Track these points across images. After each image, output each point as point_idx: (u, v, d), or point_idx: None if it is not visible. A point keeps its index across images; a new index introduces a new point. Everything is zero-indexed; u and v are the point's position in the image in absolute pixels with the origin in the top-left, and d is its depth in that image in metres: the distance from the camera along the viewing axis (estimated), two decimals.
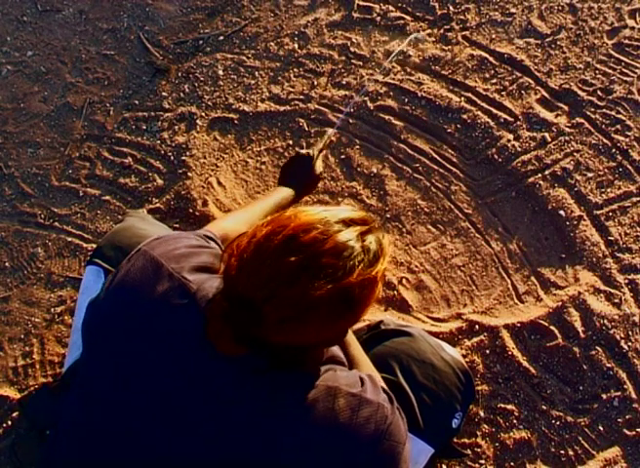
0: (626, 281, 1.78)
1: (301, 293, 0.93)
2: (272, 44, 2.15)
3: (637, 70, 2.05)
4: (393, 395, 1.17)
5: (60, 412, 1.21)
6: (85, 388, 1.12)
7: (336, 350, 1.20)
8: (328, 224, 0.98)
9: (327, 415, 1.04)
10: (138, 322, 1.08)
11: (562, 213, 1.86)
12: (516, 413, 1.65)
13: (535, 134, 1.97)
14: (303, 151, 1.65)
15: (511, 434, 1.63)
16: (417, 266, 1.83)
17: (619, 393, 1.66)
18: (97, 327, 1.13)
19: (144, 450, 1.06)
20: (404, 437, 1.12)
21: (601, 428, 1.63)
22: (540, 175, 1.92)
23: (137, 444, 1.06)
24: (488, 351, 1.70)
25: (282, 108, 2.04)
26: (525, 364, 1.69)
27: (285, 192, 1.63)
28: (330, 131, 1.73)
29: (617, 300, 1.75)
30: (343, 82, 2.07)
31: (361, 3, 2.19)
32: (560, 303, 1.74)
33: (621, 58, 2.07)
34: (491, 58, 2.08)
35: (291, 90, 2.07)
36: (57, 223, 1.92)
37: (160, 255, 1.13)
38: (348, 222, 1.00)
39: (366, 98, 2.04)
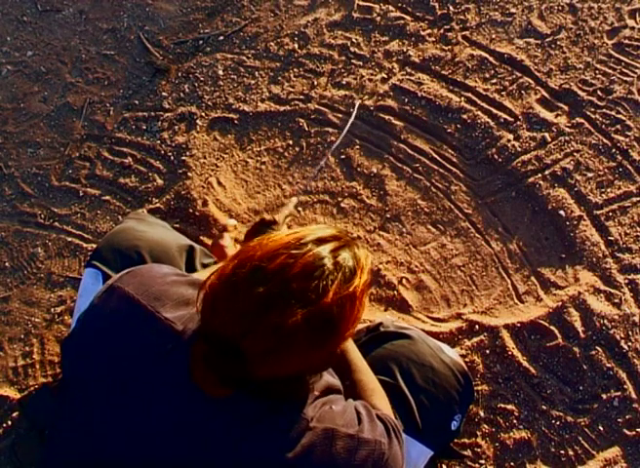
0: (626, 281, 1.78)
1: (277, 323, 0.90)
2: (272, 44, 2.15)
3: (637, 70, 2.05)
4: (389, 419, 1.16)
5: (60, 412, 1.21)
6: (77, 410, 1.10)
7: (329, 378, 1.16)
8: (295, 248, 0.95)
9: (325, 460, 1.02)
10: (122, 369, 1.04)
11: (562, 213, 1.86)
12: (516, 413, 1.65)
13: (535, 134, 1.97)
14: (268, 217, 1.56)
15: (511, 434, 1.63)
16: (417, 266, 1.83)
17: (619, 393, 1.66)
18: (78, 367, 1.09)
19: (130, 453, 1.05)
20: (400, 464, 1.12)
21: (601, 428, 1.63)
22: (539, 175, 1.92)
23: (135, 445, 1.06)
24: (488, 351, 1.70)
25: (282, 108, 2.04)
26: (525, 364, 1.69)
27: None
28: (295, 199, 1.68)
29: (617, 300, 1.75)
30: (343, 82, 2.07)
31: (361, 3, 2.19)
32: (560, 303, 1.75)
33: (621, 58, 2.07)
34: (491, 58, 2.08)
35: (291, 90, 2.07)
36: (57, 223, 1.92)
37: (138, 293, 1.08)
38: (318, 241, 0.97)
39: (366, 98, 2.04)
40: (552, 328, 1.72)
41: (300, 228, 1.03)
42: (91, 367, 1.08)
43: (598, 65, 2.06)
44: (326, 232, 1.00)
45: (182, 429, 1.02)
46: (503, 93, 2.03)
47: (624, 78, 2.04)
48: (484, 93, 2.03)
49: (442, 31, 2.13)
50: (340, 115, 2.02)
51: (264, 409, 1.02)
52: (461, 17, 2.15)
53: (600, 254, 1.81)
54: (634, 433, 1.62)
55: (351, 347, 1.35)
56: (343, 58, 2.11)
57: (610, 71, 2.05)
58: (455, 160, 1.96)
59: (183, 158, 1.97)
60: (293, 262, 0.93)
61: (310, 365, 0.99)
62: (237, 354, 0.92)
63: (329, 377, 1.17)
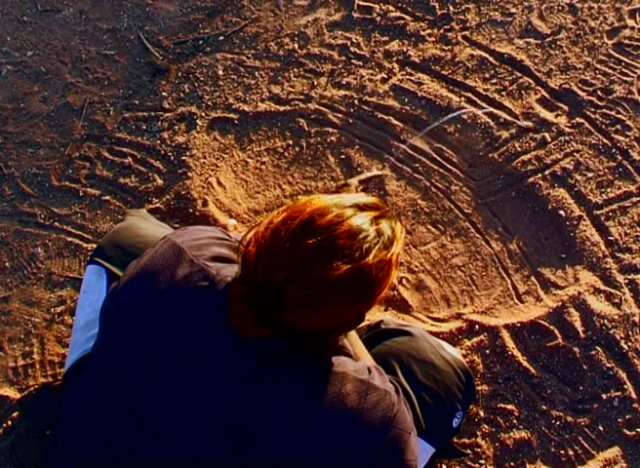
0: (626, 281, 1.78)
1: (321, 275, 0.96)
2: (272, 44, 2.15)
3: (637, 70, 2.05)
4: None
5: (60, 412, 1.21)
6: (99, 379, 1.13)
7: (344, 342, 1.23)
8: (342, 208, 1.01)
9: (335, 399, 1.05)
10: (158, 305, 1.11)
11: (562, 213, 1.86)
12: (516, 413, 1.65)
13: (535, 134, 1.97)
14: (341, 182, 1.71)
15: (511, 434, 1.63)
16: (417, 266, 1.83)
17: (619, 393, 1.66)
18: (117, 312, 1.16)
19: (157, 449, 1.06)
20: (410, 426, 1.14)
21: (601, 428, 1.63)
22: (539, 174, 1.92)
23: (149, 441, 1.06)
24: (488, 351, 1.70)
25: (282, 108, 2.04)
26: (525, 364, 1.69)
27: None
28: (375, 171, 1.78)
29: (617, 300, 1.75)
30: (343, 82, 2.07)
31: (361, 3, 2.19)
32: (560, 303, 1.75)
33: (621, 58, 2.07)
34: (491, 59, 2.09)
35: (291, 90, 2.07)
36: (57, 223, 1.92)
37: (183, 243, 1.17)
38: (362, 207, 1.03)
39: (365, 98, 2.04)
40: (552, 328, 1.72)
41: (345, 193, 1.11)
42: (129, 305, 1.14)
43: (598, 65, 2.06)
44: (369, 200, 1.07)
45: (215, 368, 1.05)
46: (503, 93, 2.03)
47: (624, 78, 2.04)
48: (484, 93, 2.03)
49: (442, 31, 2.13)
50: (340, 115, 2.02)
51: (281, 346, 1.06)
52: (461, 17, 2.15)
53: (600, 254, 1.81)
54: (634, 433, 1.62)
55: (356, 341, 1.35)
56: (343, 58, 2.11)
57: (610, 71, 2.05)
58: (455, 160, 1.96)
59: (183, 158, 1.97)
60: (341, 221, 0.99)
61: (341, 321, 1.04)
62: (278, 299, 0.97)
63: (345, 341, 1.24)
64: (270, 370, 1.05)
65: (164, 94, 2.08)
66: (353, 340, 1.34)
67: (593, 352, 1.69)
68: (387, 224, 1.05)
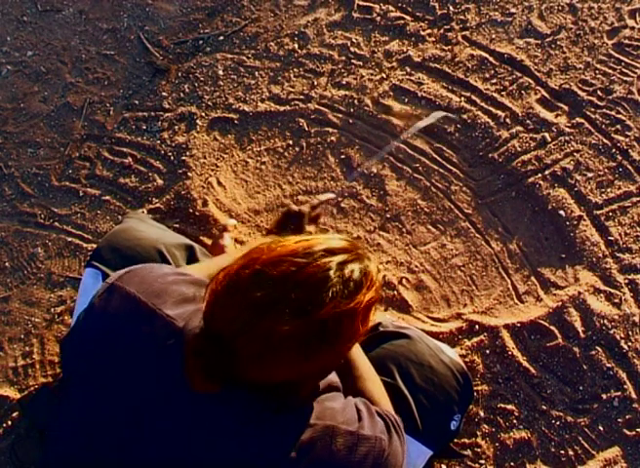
0: (626, 281, 1.78)
1: (269, 329, 0.90)
2: (272, 44, 2.15)
3: (637, 70, 2.05)
4: (390, 418, 1.16)
5: (59, 412, 1.20)
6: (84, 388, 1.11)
7: (331, 376, 1.16)
8: (302, 256, 0.94)
9: (325, 457, 1.02)
10: (122, 366, 1.05)
11: (562, 213, 1.86)
12: (516, 413, 1.65)
13: (535, 134, 1.97)
14: (294, 208, 1.55)
15: (511, 434, 1.63)
16: (417, 266, 1.83)
17: (619, 393, 1.66)
18: (80, 366, 1.10)
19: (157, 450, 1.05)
20: (400, 461, 1.12)
21: (601, 428, 1.63)
22: (540, 174, 1.92)
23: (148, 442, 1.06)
24: (488, 351, 1.70)
25: (282, 108, 2.04)
26: (525, 364, 1.69)
27: None
28: (330, 195, 1.68)
29: (617, 300, 1.75)
30: (343, 82, 2.07)
31: (361, 3, 2.19)
32: (560, 303, 1.74)
33: (621, 58, 2.07)
34: (491, 58, 2.08)
35: (291, 90, 2.07)
36: (57, 223, 1.92)
37: (139, 292, 1.09)
38: (327, 252, 0.95)
39: (365, 98, 2.04)
40: (552, 328, 1.72)
41: (312, 236, 1.02)
42: (91, 364, 1.08)
43: (598, 65, 2.06)
44: (338, 243, 0.98)
45: (179, 427, 1.02)
46: (503, 93, 2.03)
47: (624, 78, 2.04)
48: (484, 93, 2.03)
49: (442, 31, 2.13)
50: (340, 115, 2.02)
51: (260, 407, 1.02)
52: (461, 17, 2.15)
53: (600, 254, 1.81)
54: (634, 433, 1.62)
55: (355, 346, 1.35)
56: (343, 58, 2.11)
57: (610, 71, 2.05)
58: (455, 160, 1.96)
59: (183, 158, 1.97)
60: (296, 271, 0.92)
61: (302, 375, 0.98)
62: (230, 353, 0.92)
63: (329, 375, 1.16)
64: (254, 431, 1.01)
65: (164, 94, 2.08)
66: (354, 352, 1.33)
67: (593, 352, 1.69)
68: (357, 268, 0.96)
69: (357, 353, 1.34)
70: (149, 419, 1.03)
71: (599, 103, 2.00)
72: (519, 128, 1.98)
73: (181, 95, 2.08)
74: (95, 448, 1.07)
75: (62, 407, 1.15)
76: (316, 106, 2.04)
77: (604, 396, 1.66)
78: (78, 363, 1.10)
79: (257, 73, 2.11)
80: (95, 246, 1.81)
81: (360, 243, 1.01)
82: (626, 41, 2.09)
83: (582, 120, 1.98)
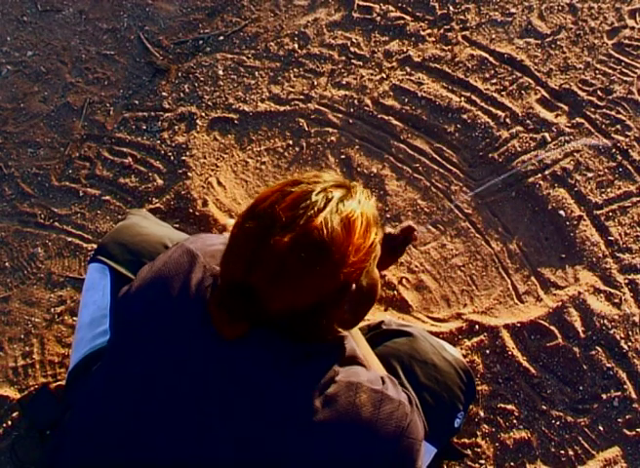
0: (626, 281, 1.78)
1: (270, 252, 0.96)
2: (272, 44, 2.15)
3: (637, 70, 2.05)
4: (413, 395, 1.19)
5: (67, 409, 1.20)
6: (111, 379, 1.13)
7: (357, 352, 1.20)
8: (289, 186, 1.01)
9: (349, 409, 1.05)
10: (172, 310, 1.10)
11: (562, 213, 1.86)
12: (516, 413, 1.65)
13: (535, 134, 1.97)
14: (389, 230, 1.61)
15: (511, 434, 1.63)
16: (417, 266, 1.83)
17: (619, 393, 1.66)
18: (131, 315, 1.16)
19: (159, 452, 1.06)
20: (421, 434, 1.14)
21: (601, 428, 1.63)
22: (539, 174, 1.92)
23: (152, 444, 1.07)
24: (488, 351, 1.70)
25: (282, 108, 2.04)
26: (525, 364, 1.69)
27: None
28: (421, 228, 1.75)
29: (617, 300, 1.75)
30: (343, 82, 2.07)
31: (361, 3, 2.19)
32: (560, 303, 1.75)
33: (621, 58, 2.07)
34: (491, 58, 2.09)
35: (291, 90, 2.07)
36: (57, 223, 1.92)
37: (197, 249, 1.18)
38: (315, 182, 1.03)
39: (365, 98, 2.04)
40: (552, 328, 1.72)
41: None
42: (146, 310, 1.14)
43: (598, 65, 2.06)
44: (327, 178, 1.05)
45: (229, 376, 1.05)
46: (503, 93, 2.03)
47: (624, 78, 2.04)
48: (484, 93, 2.03)
49: (442, 31, 2.13)
50: (340, 115, 2.02)
51: (290, 352, 1.05)
52: (461, 17, 2.15)
53: (600, 254, 1.81)
54: (634, 433, 1.62)
55: (363, 343, 1.35)
56: (343, 58, 2.11)
57: (610, 71, 2.05)
58: (455, 160, 1.96)
59: (183, 158, 1.97)
60: (282, 198, 0.99)
61: (319, 294, 1.01)
62: (251, 293, 0.98)
63: (356, 350, 1.20)
64: (285, 378, 1.04)
65: (164, 94, 2.08)
66: (359, 343, 1.34)
67: (593, 352, 1.69)
68: (341, 192, 1.03)
69: (367, 352, 1.35)
70: (182, 376, 1.07)
71: (599, 103, 2.00)
72: (519, 128, 1.98)
73: (181, 95, 2.08)
74: (131, 442, 1.09)
75: (72, 404, 1.16)
76: (316, 106, 2.04)
77: (604, 396, 1.66)
78: (132, 310, 1.16)
79: (257, 73, 2.11)
80: (95, 245, 1.81)
81: (358, 184, 1.10)
82: (626, 41, 2.09)
83: (582, 120, 1.98)
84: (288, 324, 1.03)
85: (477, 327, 1.72)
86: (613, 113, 1.99)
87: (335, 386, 1.06)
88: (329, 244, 0.97)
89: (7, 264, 1.87)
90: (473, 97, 2.03)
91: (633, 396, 1.66)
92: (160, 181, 1.95)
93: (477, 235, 1.87)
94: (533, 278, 1.81)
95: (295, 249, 0.96)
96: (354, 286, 1.04)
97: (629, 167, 1.92)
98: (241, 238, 1.00)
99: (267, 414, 1.04)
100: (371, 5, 2.19)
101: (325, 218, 0.98)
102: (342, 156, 1.97)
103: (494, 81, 2.05)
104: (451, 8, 2.17)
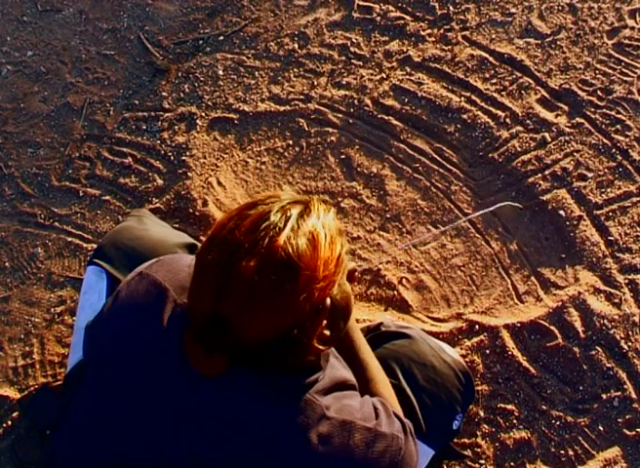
0: (626, 281, 1.78)
1: (237, 279, 0.93)
2: (272, 44, 2.15)
3: (637, 70, 2.05)
4: (408, 423, 1.17)
5: (63, 413, 1.20)
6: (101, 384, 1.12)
7: (347, 374, 1.17)
8: (246, 209, 0.99)
9: (343, 451, 1.03)
10: (143, 348, 1.07)
11: (562, 213, 1.86)
12: (516, 413, 1.65)
13: (535, 134, 1.97)
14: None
15: (511, 434, 1.63)
16: (417, 266, 1.83)
17: (619, 393, 1.66)
18: (101, 351, 1.12)
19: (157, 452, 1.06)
20: (415, 461, 1.13)
21: (601, 428, 1.63)
22: (540, 174, 1.92)
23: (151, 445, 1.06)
24: (488, 351, 1.70)
25: (282, 108, 2.04)
26: (525, 364, 1.69)
27: None
28: (364, 265, 1.71)
29: (617, 300, 1.75)
30: (343, 82, 2.07)
31: (361, 3, 2.19)
32: (560, 303, 1.75)
33: (621, 58, 2.07)
34: (491, 58, 2.08)
35: (291, 90, 2.07)
36: (57, 223, 1.92)
37: (164, 280, 1.12)
38: (269, 202, 1.00)
39: (365, 98, 2.04)
40: (552, 328, 1.72)
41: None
42: (112, 351, 1.10)
43: (598, 65, 2.06)
44: (284, 196, 1.02)
45: (188, 417, 1.02)
46: (503, 93, 2.03)
47: (624, 78, 2.04)
48: (484, 93, 2.03)
49: (442, 31, 2.13)
50: (340, 115, 2.02)
51: (269, 386, 1.02)
52: (461, 17, 2.15)
53: (600, 254, 1.81)
54: (634, 433, 1.62)
55: (364, 347, 1.35)
56: (343, 58, 2.11)
57: (610, 71, 2.05)
58: (455, 160, 1.96)
59: (183, 158, 1.97)
60: (241, 222, 0.96)
61: (294, 314, 0.97)
62: (224, 323, 0.94)
63: (344, 371, 1.17)
64: (272, 417, 1.01)
65: (164, 94, 2.08)
66: (361, 347, 1.33)
67: (593, 352, 1.69)
68: (299, 208, 0.99)
69: (368, 355, 1.34)
70: (153, 408, 1.04)
71: (599, 103, 2.00)
72: (519, 128, 1.98)
73: (181, 95, 2.08)
74: (115, 447, 1.07)
75: (67, 406, 1.15)
76: (316, 106, 2.04)
77: (604, 396, 1.66)
78: (101, 348, 1.12)
79: (257, 73, 2.11)
80: (95, 246, 1.81)
81: (315, 198, 1.07)
82: (626, 41, 2.09)
83: (582, 120, 1.98)
84: (267, 353, 1.00)
85: (477, 327, 1.72)
86: (613, 113, 1.99)
87: (327, 425, 1.03)
88: (296, 261, 0.95)
89: (7, 264, 1.87)
90: (473, 97, 2.03)
91: (633, 396, 1.66)
92: (160, 181, 1.95)
93: (477, 235, 1.87)
94: (533, 278, 1.81)
95: (263, 271, 0.93)
96: (329, 301, 1.02)
97: (629, 167, 1.92)
98: (205, 269, 0.96)
99: (262, 453, 1.01)
100: (371, 5, 2.19)
101: (287, 236, 0.95)
102: (342, 156, 1.97)
103: (494, 81, 2.05)
104: (451, 8, 2.17)
